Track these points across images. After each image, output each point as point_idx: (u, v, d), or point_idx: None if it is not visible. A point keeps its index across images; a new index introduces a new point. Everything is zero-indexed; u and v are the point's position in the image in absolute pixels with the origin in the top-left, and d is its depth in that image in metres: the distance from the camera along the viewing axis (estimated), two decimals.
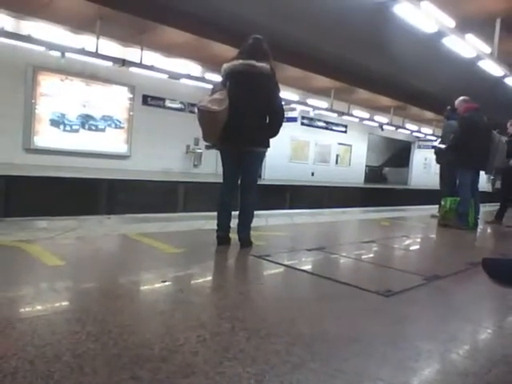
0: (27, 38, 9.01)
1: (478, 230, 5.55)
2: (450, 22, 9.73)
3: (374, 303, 2.22)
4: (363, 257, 3.56)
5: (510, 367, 1.59)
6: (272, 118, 3.32)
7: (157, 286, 2.35)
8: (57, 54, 9.54)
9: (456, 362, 1.65)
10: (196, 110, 3.18)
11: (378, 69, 9.70)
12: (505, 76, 12.07)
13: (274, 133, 3.35)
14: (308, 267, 3.01)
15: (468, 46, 10.19)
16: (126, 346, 1.50)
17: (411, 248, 4.35)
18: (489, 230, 5.95)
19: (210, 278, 2.70)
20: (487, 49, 11.14)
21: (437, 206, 6.37)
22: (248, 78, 3.22)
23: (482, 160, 5.49)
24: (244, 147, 3.27)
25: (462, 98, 5.74)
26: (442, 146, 6.10)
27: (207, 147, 3.42)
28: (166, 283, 2.37)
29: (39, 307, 1.87)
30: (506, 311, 2.38)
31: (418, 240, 4.94)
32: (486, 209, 6.69)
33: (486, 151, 5.50)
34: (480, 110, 5.63)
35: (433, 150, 7.33)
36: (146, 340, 1.57)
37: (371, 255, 3.70)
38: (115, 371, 1.32)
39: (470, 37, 10.43)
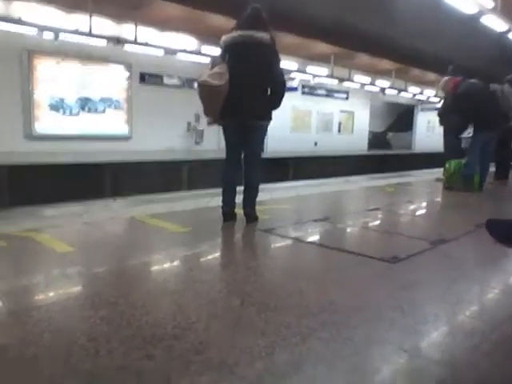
0: (19, 21, 8.85)
1: (484, 191, 5.53)
2: None
3: (381, 270, 2.25)
4: (368, 225, 3.58)
5: None
6: (274, 90, 3.26)
7: (166, 265, 2.39)
8: (50, 36, 9.38)
9: (463, 322, 1.68)
10: (196, 86, 3.13)
11: (377, 31, 9.47)
12: (509, 31, 11.74)
13: (276, 105, 3.31)
14: (314, 238, 3.04)
15: (470, 2, 9.87)
16: (139, 326, 1.55)
17: (416, 213, 4.36)
18: (494, 192, 5.93)
19: (217, 254, 2.73)
20: (490, 3, 10.79)
21: (441, 169, 6.32)
22: (248, 49, 3.15)
23: (494, 120, 5.41)
24: (246, 121, 3.23)
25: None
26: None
27: (209, 123, 3.39)
28: (175, 263, 2.41)
29: (53, 294, 1.92)
30: (510, 271, 2.40)
31: (423, 205, 4.94)
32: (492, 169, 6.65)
33: (497, 112, 5.43)
34: (467, 77, 5.56)
35: (436, 112, 7.23)
36: (158, 319, 1.61)
37: (376, 223, 3.72)
38: (130, 351, 1.37)
39: None
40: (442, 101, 6.68)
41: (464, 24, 10.38)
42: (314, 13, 8.25)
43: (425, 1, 9.15)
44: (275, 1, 6.89)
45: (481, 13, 10.31)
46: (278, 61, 3.26)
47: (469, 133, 5.86)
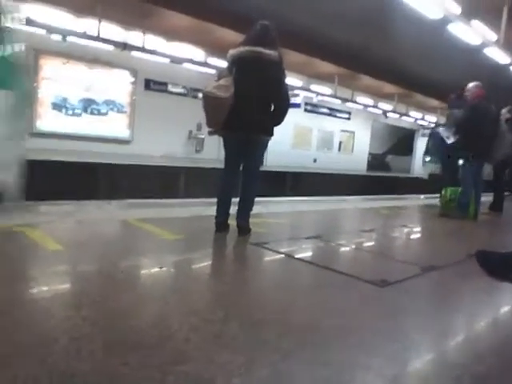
0: (28, 21, 8.92)
1: (478, 220, 5.54)
2: (456, 9, 9.55)
3: (369, 293, 2.23)
4: (361, 246, 3.57)
5: (499, 359, 1.61)
6: (277, 107, 3.29)
7: (154, 271, 2.36)
8: (58, 37, 9.45)
9: (446, 353, 1.66)
10: (201, 96, 3.15)
11: (382, 55, 9.60)
12: (511, 64, 11.91)
13: (279, 121, 3.33)
14: (305, 256, 3.02)
15: (474, 33, 10.02)
16: (120, 331, 1.53)
17: (409, 238, 4.36)
18: (488, 221, 5.94)
19: (206, 264, 2.71)
20: (493, 36, 10.95)
21: (437, 194, 6.35)
22: (255, 65, 3.18)
23: (486, 151, 5.44)
24: (248, 135, 3.25)
25: (475, 83, 5.59)
26: (445, 137, 6.05)
27: (210, 133, 3.40)
28: (163, 269, 2.39)
29: (37, 291, 1.89)
30: (498, 304, 2.39)
31: (417, 230, 4.94)
32: (489, 199, 6.69)
33: (490, 141, 5.44)
34: (488, 98, 5.54)
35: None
36: (139, 325, 1.59)
37: (369, 244, 3.71)
38: (107, 355, 1.34)
39: (476, 23, 10.24)
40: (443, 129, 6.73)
41: (468, 54, 10.53)
42: (322, 33, 8.36)
43: (431, 29, 9.28)
44: (284, 20, 6.98)
45: (484, 44, 10.46)
46: (284, 79, 3.29)
47: (447, 137, 5.90)
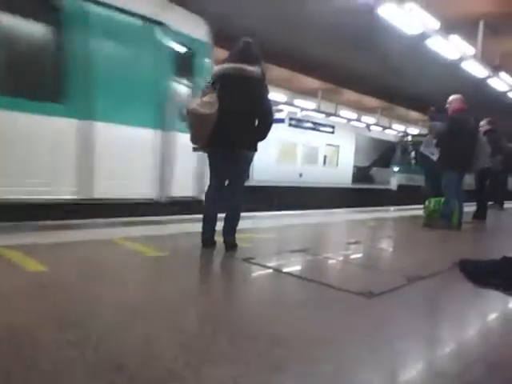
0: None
1: (462, 229, 5.62)
2: (435, 24, 9.85)
3: (355, 305, 2.24)
4: (347, 258, 3.59)
5: (485, 367, 1.62)
6: (261, 122, 3.32)
7: (139, 290, 2.34)
8: None
9: (433, 362, 1.68)
10: (185, 113, 3.17)
11: (363, 70, 9.81)
12: (488, 77, 12.26)
13: (263, 136, 3.37)
14: (292, 269, 3.02)
15: (452, 48, 10.32)
16: (106, 352, 1.50)
17: (395, 249, 4.40)
18: (472, 231, 6.03)
19: (193, 281, 2.69)
20: (471, 50, 11.30)
21: (421, 205, 6.44)
22: (238, 81, 3.22)
23: (466, 162, 5.56)
24: (232, 150, 3.27)
25: (457, 96, 5.71)
26: (430, 154, 6.18)
27: (195, 149, 3.42)
28: (149, 287, 2.37)
29: (21, 313, 1.85)
30: (483, 311, 2.42)
31: (402, 240, 4.99)
32: (472, 209, 6.81)
33: (470, 152, 5.57)
34: (468, 111, 5.69)
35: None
36: (125, 345, 1.57)
37: (355, 256, 3.73)
38: (93, 378, 1.32)
39: (455, 38, 10.56)
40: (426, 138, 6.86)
41: (447, 68, 10.82)
42: (305, 49, 8.52)
43: (411, 45, 9.53)
44: (268, 36, 7.11)
45: (462, 58, 10.77)
46: (267, 95, 3.33)
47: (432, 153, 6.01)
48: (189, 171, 5.48)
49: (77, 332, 1.65)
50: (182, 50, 5.51)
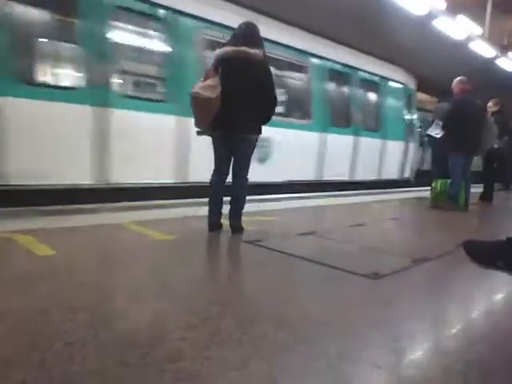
0: None
1: (469, 211, 5.61)
2: (441, 4, 9.65)
3: (362, 286, 2.26)
4: (353, 240, 3.60)
5: (489, 346, 1.64)
6: (265, 105, 3.31)
7: (147, 273, 2.37)
8: None
9: (438, 342, 1.70)
10: (189, 97, 3.17)
11: (369, 52, 9.64)
12: (496, 57, 12.04)
13: (266, 120, 3.36)
14: (297, 252, 3.04)
15: (459, 28, 10.13)
16: (116, 333, 1.54)
17: (401, 230, 4.40)
18: (478, 212, 6.02)
19: (200, 264, 2.72)
20: (478, 30, 11.08)
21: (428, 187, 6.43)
22: (241, 64, 3.21)
23: (472, 143, 5.52)
24: (236, 134, 3.27)
25: (458, 78, 5.70)
26: (434, 134, 6.14)
27: (198, 133, 3.42)
28: (156, 271, 2.40)
29: (31, 298, 1.89)
30: (487, 292, 2.43)
31: (408, 222, 4.99)
32: (479, 190, 6.79)
33: (477, 134, 5.52)
34: (473, 92, 5.63)
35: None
36: (135, 327, 1.60)
37: (361, 238, 3.74)
38: (105, 357, 1.36)
39: (461, 18, 10.36)
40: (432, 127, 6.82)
41: (454, 49, 10.63)
42: (308, 31, 8.37)
43: (418, 26, 9.35)
44: (267, 15, 7.03)
45: (469, 38, 10.57)
46: (270, 77, 3.31)
47: (437, 133, 6.02)
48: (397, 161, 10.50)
49: (87, 313, 1.69)
50: (408, 95, 10.87)
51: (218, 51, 3.31)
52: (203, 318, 1.71)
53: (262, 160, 6.73)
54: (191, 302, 1.91)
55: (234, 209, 3.39)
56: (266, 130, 3.49)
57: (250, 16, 6.19)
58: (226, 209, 3.44)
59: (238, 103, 3.20)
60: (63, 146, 4.80)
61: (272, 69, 3.48)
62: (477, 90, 5.71)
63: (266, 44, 3.42)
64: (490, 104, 6.85)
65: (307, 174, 8.12)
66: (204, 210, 3.53)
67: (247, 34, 3.29)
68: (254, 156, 3.45)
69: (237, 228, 3.38)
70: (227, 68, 3.21)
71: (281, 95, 6.89)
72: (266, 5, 6.98)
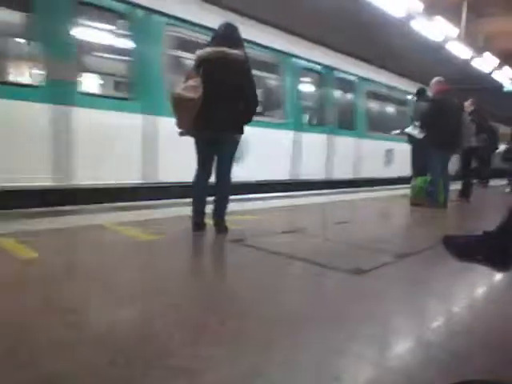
0: None
1: (448, 207, 5.73)
2: (419, 6, 9.85)
3: (344, 282, 2.30)
4: (336, 237, 3.64)
5: (470, 336, 1.69)
6: (246, 104, 3.32)
7: (132, 273, 2.36)
8: None
9: (420, 334, 1.73)
10: (170, 98, 3.15)
11: (348, 52, 9.77)
12: (472, 58, 12.34)
13: (248, 119, 3.37)
14: (281, 249, 3.06)
15: (436, 29, 10.35)
16: (104, 333, 1.53)
17: (382, 227, 4.47)
18: (457, 208, 6.16)
19: (184, 263, 2.71)
20: (455, 31, 11.33)
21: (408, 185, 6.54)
22: (221, 64, 3.21)
23: (450, 141, 5.64)
24: (218, 133, 3.28)
25: (436, 78, 5.83)
26: (416, 134, 6.27)
27: (181, 134, 3.40)
28: (141, 271, 2.39)
29: (17, 299, 1.86)
30: (467, 284, 2.50)
31: (390, 219, 5.08)
32: (458, 187, 6.95)
33: (454, 133, 5.65)
34: (451, 92, 5.77)
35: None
36: (122, 326, 1.59)
37: (344, 235, 3.78)
38: (94, 357, 1.35)
39: (439, 19, 10.58)
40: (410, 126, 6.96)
41: (432, 50, 10.86)
42: (293, 32, 8.42)
43: (396, 28, 9.53)
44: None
45: (446, 39, 10.81)
46: (250, 77, 3.33)
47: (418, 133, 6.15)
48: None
49: (74, 315, 1.67)
50: None
51: (199, 52, 3.31)
52: (189, 317, 1.71)
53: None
54: (177, 301, 1.91)
55: (219, 208, 3.40)
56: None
57: (223, 14, 6.20)
58: (209, 208, 3.43)
59: (220, 103, 3.21)
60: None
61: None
62: (452, 90, 5.85)
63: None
64: (466, 104, 7.02)
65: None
66: (187, 210, 3.52)
67: (227, 35, 3.31)
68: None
69: (221, 227, 3.38)
70: (208, 68, 3.22)
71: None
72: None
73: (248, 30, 6.35)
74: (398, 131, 9.33)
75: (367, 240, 3.49)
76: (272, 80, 7.84)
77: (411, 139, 6.69)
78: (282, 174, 7.84)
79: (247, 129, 3.42)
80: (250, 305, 1.89)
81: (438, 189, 5.61)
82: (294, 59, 7.94)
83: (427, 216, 5.11)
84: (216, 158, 3.38)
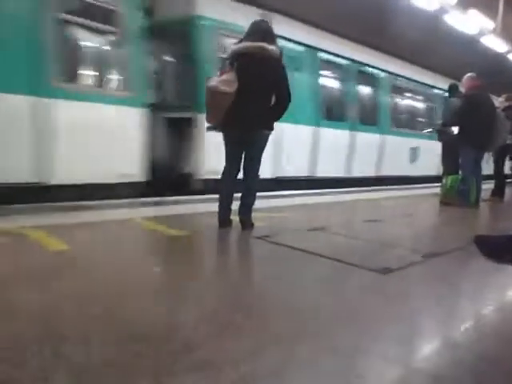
0: None
1: (480, 207, 5.57)
2: None
3: (371, 281, 2.27)
4: (363, 236, 3.60)
5: (498, 339, 1.65)
6: (278, 102, 3.31)
7: (159, 268, 2.41)
8: None
9: (448, 335, 1.70)
10: (205, 91, 3.17)
11: (380, 48, 9.58)
12: (508, 52, 11.89)
13: (279, 116, 3.37)
14: (307, 246, 3.05)
15: (470, 22, 10.02)
16: (131, 326, 1.57)
17: (411, 226, 4.38)
18: (490, 208, 5.97)
19: (210, 259, 2.75)
20: (490, 24, 10.93)
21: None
22: (258, 60, 3.19)
23: (483, 139, 5.47)
24: (248, 129, 3.27)
25: (468, 74, 5.67)
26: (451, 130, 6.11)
27: (209, 128, 3.41)
28: (167, 266, 2.43)
29: (46, 291, 1.93)
30: (497, 286, 2.43)
31: (418, 218, 4.97)
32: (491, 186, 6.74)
33: (488, 130, 5.47)
34: (484, 87, 5.59)
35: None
36: (149, 320, 1.63)
37: (371, 234, 3.74)
38: (121, 349, 1.39)
39: (473, 12, 10.24)
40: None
41: (466, 43, 10.52)
42: (320, 26, 8.33)
43: (429, 21, 9.28)
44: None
45: (481, 33, 10.45)
46: (285, 73, 3.31)
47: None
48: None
49: (101, 307, 1.72)
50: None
51: (235, 47, 3.29)
52: (214, 312, 1.74)
53: None
54: (202, 296, 1.94)
55: (245, 205, 3.40)
56: None
57: None
58: (235, 204, 3.45)
59: (253, 98, 3.19)
60: None
61: None
62: (486, 86, 5.67)
63: None
64: (501, 99, 6.78)
65: None
66: (213, 207, 3.56)
67: (264, 30, 3.29)
68: None
69: (247, 224, 3.40)
70: (243, 63, 3.19)
71: None
72: None
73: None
74: (430, 129, 9.11)
75: (394, 239, 3.44)
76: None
77: (442, 137, 6.52)
78: (300, 170, 7.66)
79: None
80: (273, 301, 1.90)
81: (469, 188, 5.46)
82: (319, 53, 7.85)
83: (457, 215, 4.98)
84: (244, 153, 3.39)
